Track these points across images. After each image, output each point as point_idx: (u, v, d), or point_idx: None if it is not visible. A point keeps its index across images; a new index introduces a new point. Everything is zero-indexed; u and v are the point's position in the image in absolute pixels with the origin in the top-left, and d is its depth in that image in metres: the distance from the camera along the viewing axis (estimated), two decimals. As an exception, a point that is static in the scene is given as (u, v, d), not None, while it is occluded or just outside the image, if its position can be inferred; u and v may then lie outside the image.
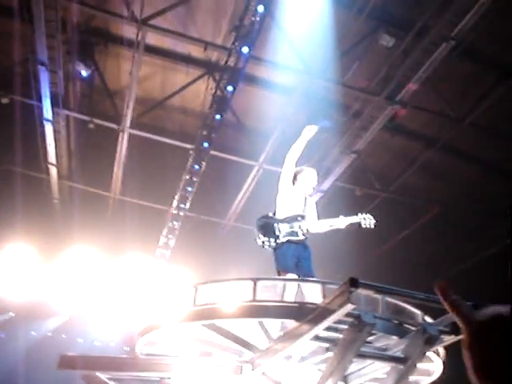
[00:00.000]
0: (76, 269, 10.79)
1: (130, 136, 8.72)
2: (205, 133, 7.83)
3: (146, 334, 5.46)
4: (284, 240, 5.60)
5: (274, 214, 5.85)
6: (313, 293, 5.16)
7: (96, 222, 10.25)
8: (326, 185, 8.91)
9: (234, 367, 5.14)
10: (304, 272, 5.55)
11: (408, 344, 4.72)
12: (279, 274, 5.63)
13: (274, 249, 5.62)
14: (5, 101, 8.48)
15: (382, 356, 5.00)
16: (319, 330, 4.54)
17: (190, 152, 8.41)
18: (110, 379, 5.89)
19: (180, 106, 8.57)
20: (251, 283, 4.81)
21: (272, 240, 5.62)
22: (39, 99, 7.89)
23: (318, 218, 5.96)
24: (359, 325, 4.29)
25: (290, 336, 4.71)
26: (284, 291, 5.25)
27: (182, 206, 9.37)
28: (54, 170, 9.40)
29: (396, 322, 4.70)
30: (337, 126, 8.34)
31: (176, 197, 9.30)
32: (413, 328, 4.72)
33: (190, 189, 8.92)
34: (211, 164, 8.75)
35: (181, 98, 8.47)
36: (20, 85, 8.20)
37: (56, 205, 10.50)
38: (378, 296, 4.83)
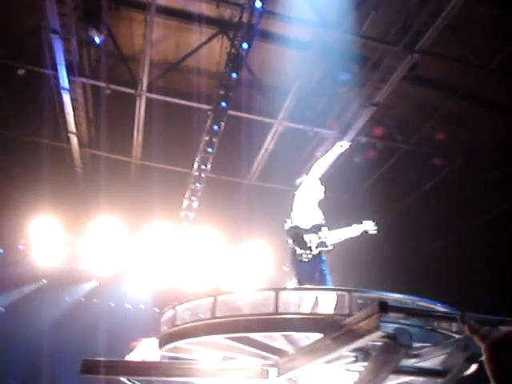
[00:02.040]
0: (103, 235, 10.96)
1: (148, 100, 8.69)
2: (222, 92, 7.76)
3: (167, 343, 5.43)
4: (317, 252, 5.65)
5: (295, 223, 5.86)
6: (330, 302, 5.17)
7: (119, 188, 10.34)
8: (347, 140, 8.79)
9: (260, 371, 5.05)
10: (321, 283, 5.58)
11: (448, 357, 4.55)
12: (299, 284, 5.61)
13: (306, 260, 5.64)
14: (21, 72, 8.49)
15: (419, 371, 4.78)
16: (346, 350, 4.41)
17: (208, 113, 8.36)
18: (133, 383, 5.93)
19: (195, 67, 8.47)
20: (273, 294, 4.68)
21: (308, 252, 5.64)
22: (54, 68, 7.88)
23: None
24: (394, 345, 4.07)
25: (315, 349, 4.57)
26: (303, 301, 5.23)
27: (203, 167, 9.38)
28: (74, 139, 9.45)
29: (430, 328, 4.49)
30: (355, 78, 8.19)
31: (197, 158, 9.31)
32: (447, 333, 4.56)
33: (210, 150, 8.91)
34: (230, 124, 8.69)
35: (196, 59, 8.36)
36: (34, 54, 8.19)
37: (79, 173, 10.60)
38: (408, 299, 4.68)
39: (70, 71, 7.88)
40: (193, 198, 10.31)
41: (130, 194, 10.51)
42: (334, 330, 4.33)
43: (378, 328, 3.91)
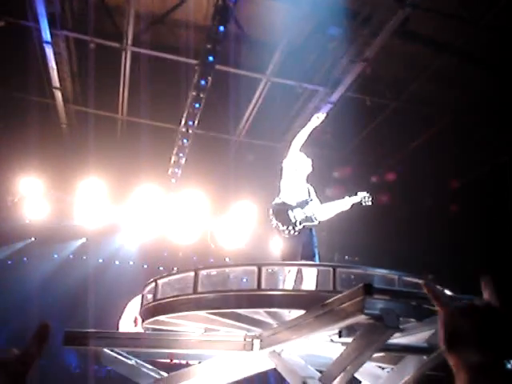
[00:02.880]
0: (91, 192, 10.89)
1: (133, 54, 8.50)
2: (209, 46, 7.59)
3: (149, 317, 5.41)
4: (301, 227, 5.64)
5: (281, 200, 5.87)
6: (312, 277, 5.18)
7: (106, 144, 10.22)
8: (336, 96, 8.71)
9: (243, 343, 4.99)
10: (306, 257, 5.60)
11: (434, 334, 4.44)
12: (282, 260, 5.64)
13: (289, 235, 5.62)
14: (0, 24, 8.23)
15: (403, 348, 4.71)
16: (330, 330, 4.40)
17: (196, 67, 8.20)
18: (118, 354, 5.84)
19: (182, 20, 8.25)
20: (255, 269, 4.64)
21: (291, 228, 5.63)
22: (36, 21, 7.65)
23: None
24: (380, 326, 3.96)
25: (298, 325, 4.50)
26: (286, 276, 5.26)
27: (191, 123, 9.27)
28: (59, 95, 9.26)
29: (414, 304, 4.36)
30: (345, 33, 8.04)
31: (184, 114, 9.18)
32: (433, 308, 4.45)
33: (197, 105, 8.78)
34: (217, 79, 8.55)
35: (183, 12, 8.14)
36: (14, 5, 7.93)
37: (64, 130, 10.44)
38: (395, 275, 4.65)
39: (53, 24, 7.64)
40: (180, 155, 10.23)
41: (117, 150, 10.41)
42: (318, 307, 4.28)
43: (362, 311, 3.87)
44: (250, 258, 12.46)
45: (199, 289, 4.87)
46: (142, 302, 5.90)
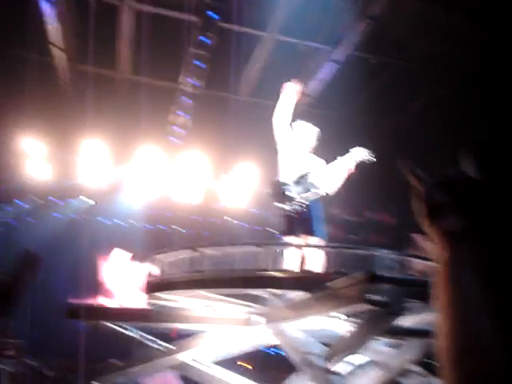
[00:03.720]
0: (92, 152, 10.85)
1: (136, 12, 8.34)
2: (213, 3, 7.44)
3: (149, 293, 5.41)
4: (302, 203, 5.41)
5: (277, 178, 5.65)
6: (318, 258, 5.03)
7: (107, 104, 10.12)
8: (340, 54, 8.58)
9: (246, 319, 4.97)
10: (307, 232, 5.42)
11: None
12: (284, 235, 5.49)
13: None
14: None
15: (407, 331, 4.63)
16: (332, 313, 4.35)
17: (198, 25, 8.05)
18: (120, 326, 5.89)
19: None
20: (254, 248, 4.60)
21: (291, 206, 5.40)
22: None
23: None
24: (384, 312, 3.92)
25: (301, 306, 4.48)
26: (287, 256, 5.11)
27: (193, 81, 9.16)
28: (59, 52, 9.13)
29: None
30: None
31: (186, 72, 9.07)
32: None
33: (200, 63, 8.66)
34: (221, 37, 8.40)
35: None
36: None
37: (64, 88, 10.33)
38: (399, 256, 4.52)
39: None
40: (183, 113, 10.14)
41: (119, 110, 10.32)
42: (320, 289, 4.23)
43: (364, 299, 3.85)
44: (253, 218, 12.52)
45: (200, 266, 4.88)
46: (146, 277, 5.88)
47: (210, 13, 7.75)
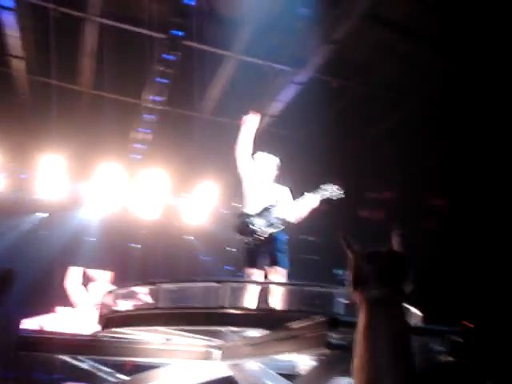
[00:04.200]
0: (52, 166, 10.66)
1: (101, 26, 8.30)
2: (177, 20, 7.49)
3: (107, 327, 5.28)
4: (265, 235, 5.45)
5: (242, 211, 5.68)
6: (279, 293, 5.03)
7: (68, 118, 10.00)
8: (302, 76, 8.73)
9: (204, 352, 4.88)
10: (271, 263, 5.42)
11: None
12: (243, 270, 5.50)
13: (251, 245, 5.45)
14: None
15: None
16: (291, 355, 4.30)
17: (163, 42, 8.08)
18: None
19: (150, -8, 8.10)
20: (216, 286, 4.52)
21: (252, 238, 5.44)
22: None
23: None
24: (345, 355, 3.73)
25: (260, 344, 4.42)
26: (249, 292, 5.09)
27: (157, 98, 9.15)
28: (18, 63, 8.99)
29: None
30: (314, 14, 8.03)
31: (151, 90, 9.06)
32: None
33: (164, 81, 8.67)
34: (184, 55, 8.44)
35: (150, -16, 8.00)
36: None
37: (24, 101, 10.16)
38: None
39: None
40: (145, 131, 10.11)
41: (80, 124, 10.20)
42: (281, 329, 4.19)
43: (325, 345, 3.76)
44: (212, 236, 12.48)
45: (159, 301, 4.77)
46: (100, 310, 5.70)
47: (174, 30, 7.78)
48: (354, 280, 1.02)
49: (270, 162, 5.87)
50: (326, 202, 5.80)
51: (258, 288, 5.20)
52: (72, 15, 8.14)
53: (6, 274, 0.76)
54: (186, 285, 5.23)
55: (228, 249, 11.57)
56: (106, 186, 10.97)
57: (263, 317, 4.64)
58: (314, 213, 5.84)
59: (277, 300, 5.07)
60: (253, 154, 5.82)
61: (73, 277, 11.80)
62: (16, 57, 8.77)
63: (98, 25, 8.22)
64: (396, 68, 9.26)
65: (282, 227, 5.61)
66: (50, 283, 11.30)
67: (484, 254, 9.55)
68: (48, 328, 10.58)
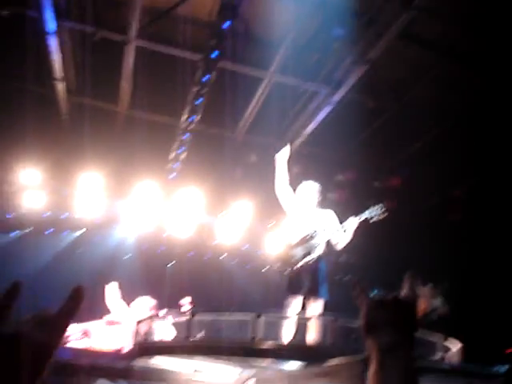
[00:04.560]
0: (89, 185, 10.87)
1: (137, 48, 8.49)
2: (213, 42, 7.60)
3: (142, 355, 5.28)
4: (305, 264, 5.52)
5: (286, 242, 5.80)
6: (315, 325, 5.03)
7: (105, 137, 10.21)
8: (338, 97, 8.72)
9: (238, 380, 4.84)
10: (310, 291, 5.48)
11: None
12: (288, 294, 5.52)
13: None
14: (4, 13, 8.20)
15: None
16: None
17: (199, 63, 8.20)
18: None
19: (187, 15, 8.24)
20: (253, 317, 4.52)
21: (290, 269, 5.56)
22: (41, 11, 7.63)
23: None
24: None
25: (295, 376, 4.39)
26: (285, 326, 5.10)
27: (192, 118, 9.27)
28: (60, 86, 9.25)
29: None
30: (350, 34, 8.05)
31: (186, 110, 9.18)
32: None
33: (199, 101, 8.78)
34: (220, 76, 8.54)
35: (188, 7, 8.13)
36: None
37: (65, 121, 10.42)
38: None
39: (58, 14, 7.64)
40: (180, 150, 10.24)
41: (117, 144, 10.39)
42: (317, 361, 4.18)
43: (362, 382, 3.66)
44: (246, 254, 12.50)
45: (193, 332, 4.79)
46: (135, 337, 5.70)
47: (210, 51, 7.89)
48: (366, 327, 1.06)
49: (310, 190, 5.90)
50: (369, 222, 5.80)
51: (295, 319, 5.20)
52: (110, 37, 8.33)
53: (78, 292, 0.80)
54: (220, 317, 5.22)
55: (263, 271, 11.58)
56: (142, 204, 11.12)
57: (298, 350, 4.64)
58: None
59: (313, 332, 5.04)
60: (290, 182, 5.87)
61: (111, 293, 11.93)
62: (57, 79, 9.01)
63: (135, 47, 8.40)
64: (431, 87, 9.17)
65: (323, 255, 5.60)
66: (89, 301, 11.37)
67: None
68: (93, 335, 10.67)
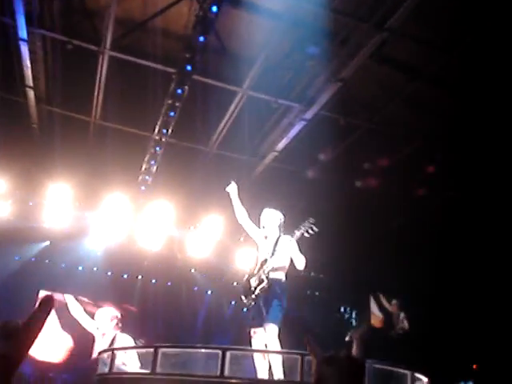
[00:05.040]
0: (57, 195, 10.71)
1: (111, 59, 8.44)
2: (188, 55, 7.60)
3: None
4: (256, 293, 5.49)
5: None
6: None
7: (76, 147, 10.10)
8: (310, 113, 8.80)
9: None
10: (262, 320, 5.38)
11: None
12: (249, 331, 5.44)
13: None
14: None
15: None
16: None
17: (173, 76, 8.18)
18: None
19: (162, 28, 8.24)
20: (219, 353, 4.38)
21: (250, 298, 5.54)
22: (13, 17, 7.53)
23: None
24: None
25: None
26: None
27: (164, 131, 9.23)
28: (31, 93, 9.12)
29: None
30: (323, 53, 8.14)
31: (158, 122, 9.15)
32: None
33: (172, 114, 8.76)
34: (194, 89, 8.55)
35: (163, 20, 8.13)
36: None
37: (35, 130, 10.27)
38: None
39: (30, 22, 7.55)
40: (152, 162, 10.18)
41: (88, 154, 10.29)
42: None
43: None
44: (215, 268, 12.45)
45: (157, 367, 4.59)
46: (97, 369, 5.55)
47: (184, 65, 7.89)
48: (316, 381, 1.12)
49: (271, 217, 5.89)
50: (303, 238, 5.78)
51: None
52: (83, 47, 8.27)
53: (47, 301, 0.78)
54: (186, 350, 5.11)
55: (235, 284, 11.55)
56: (110, 215, 11.00)
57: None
58: (313, 250, 5.84)
59: (276, 366, 4.99)
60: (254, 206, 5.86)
61: (73, 305, 11.73)
62: (28, 87, 8.89)
63: (108, 57, 8.36)
64: (402, 106, 9.33)
65: (273, 281, 5.57)
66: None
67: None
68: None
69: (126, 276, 12.88)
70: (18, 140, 9.93)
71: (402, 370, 4.76)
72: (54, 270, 12.00)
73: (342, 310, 13.81)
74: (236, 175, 9.99)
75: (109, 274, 12.68)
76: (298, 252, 5.72)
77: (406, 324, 11.53)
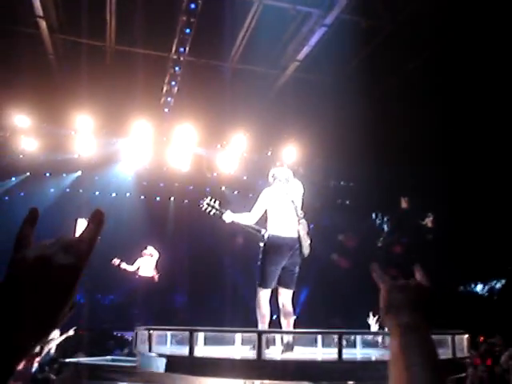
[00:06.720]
0: (83, 125, 10.75)
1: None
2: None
3: None
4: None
5: None
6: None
7: (96, 75, 9.96)
8: (330, 18, 8.43)
9: None
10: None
11: None
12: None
13: None
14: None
15: None
16: None
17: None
18: None
19: None
20: (255, 335, 4.12)
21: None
22: None
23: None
24: None
25: None
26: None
27: (182, 50, 9.02)
28: (43, 24, 8.93)
29: None
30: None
31: (175, 41, 8.92)
32: None
33: (188, 31, 8.51)
34: (208, 4, 8.23)
35: None
36: None
37: (52, 61, 10.15)
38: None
39: None
40: (172, 83, 10.04)
41: (108, 80, 10.16)
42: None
43: None
44: (245, 185, 12.55)
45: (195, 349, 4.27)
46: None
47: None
48: (386, 307, 1.15)
49: (285, 176, 5.47)
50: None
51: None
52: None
53: (98, 215, 0.78)
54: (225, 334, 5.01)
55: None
56: (137, 140, 11.05)
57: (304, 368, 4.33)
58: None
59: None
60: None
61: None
62: (39, 17, 8.70)
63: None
64: (425, 4, 8.86)
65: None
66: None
67: None
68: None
69: (158, 199, 13.12)
70: (36, 74, 9.83)
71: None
72: (89, 198, 12.26)
73: (374, 216, 13.94)
74: (258, 89, 9.84)
75: (141, 197, 12.93)
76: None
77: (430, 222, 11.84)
